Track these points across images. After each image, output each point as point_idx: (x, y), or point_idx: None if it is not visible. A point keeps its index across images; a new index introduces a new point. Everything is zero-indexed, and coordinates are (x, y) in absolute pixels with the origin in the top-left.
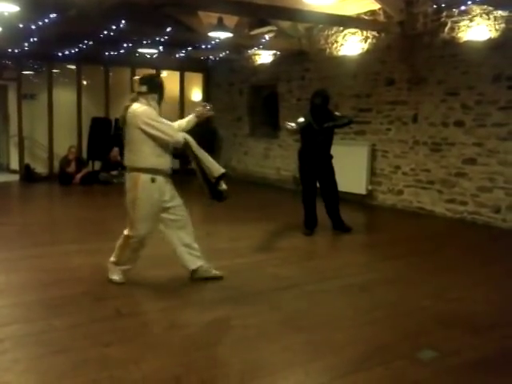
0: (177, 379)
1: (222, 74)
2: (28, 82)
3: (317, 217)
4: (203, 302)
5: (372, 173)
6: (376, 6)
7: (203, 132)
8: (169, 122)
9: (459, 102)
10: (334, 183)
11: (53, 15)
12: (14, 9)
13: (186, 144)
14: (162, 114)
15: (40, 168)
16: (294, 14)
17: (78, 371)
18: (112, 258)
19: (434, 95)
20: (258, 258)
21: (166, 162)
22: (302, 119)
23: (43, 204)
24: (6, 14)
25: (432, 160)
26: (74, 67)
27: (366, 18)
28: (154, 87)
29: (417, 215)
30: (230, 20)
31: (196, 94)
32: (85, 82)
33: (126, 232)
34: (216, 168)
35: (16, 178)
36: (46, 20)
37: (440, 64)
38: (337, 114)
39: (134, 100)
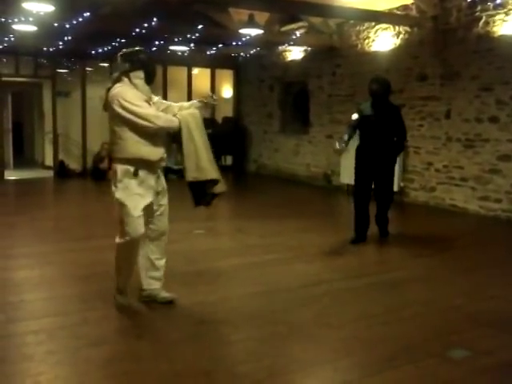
0: (207, 374)
1: (253, 71)
2: (62, 79)
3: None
4: (233, 298)
5: (404, 169)
6: (409, 1)
7: (232, 129)
8: (166, 102)
9: (494, 98)
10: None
11: (86, 14)
12: (49, 8)
13: (179, 132)
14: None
15: (74, 164)
16: (324, 10)
17: (110, 363)
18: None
19: (467, 91)
20: (288, 255)
21: (152, 151)
22: (355, 115)
23: (77, 199)
24: (41, 13)
25: (465, 157)
26: (106, 65)
27: (399, 12)
28: (138, 63)
29: (449, 213)
30: (261, 16)
31: (227, 90)
32: None
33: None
34: (206, 172)
35: (50, 174)
36: (80, 19)
37: (474, 59)
38: None
39: (117, 80)
